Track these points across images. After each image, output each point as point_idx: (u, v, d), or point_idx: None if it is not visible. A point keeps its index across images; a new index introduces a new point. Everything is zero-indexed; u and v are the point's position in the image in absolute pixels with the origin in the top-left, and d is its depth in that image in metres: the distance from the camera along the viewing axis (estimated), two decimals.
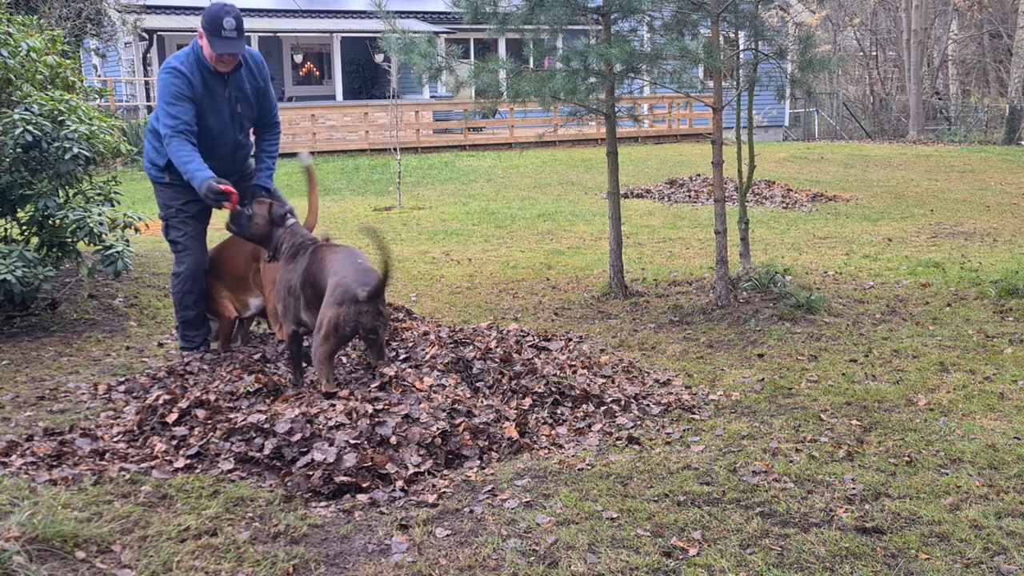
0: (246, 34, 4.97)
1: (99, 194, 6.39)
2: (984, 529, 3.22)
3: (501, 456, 3.91)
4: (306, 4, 22.96)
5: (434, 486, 3.58)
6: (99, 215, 6.06)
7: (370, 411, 3.87)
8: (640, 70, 6.76)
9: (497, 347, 4.81)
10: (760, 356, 5.45)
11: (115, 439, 4.05)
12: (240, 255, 5.23)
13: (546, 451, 3.99)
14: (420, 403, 4.00)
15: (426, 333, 5.08)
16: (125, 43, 21.16)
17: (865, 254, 8.71)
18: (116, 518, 3.22)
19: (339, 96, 22.77)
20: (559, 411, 4.40)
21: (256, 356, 5.02)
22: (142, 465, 3.70)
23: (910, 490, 3.54)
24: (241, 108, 5.00)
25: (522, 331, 5.46)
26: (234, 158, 5.14)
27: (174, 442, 3.90)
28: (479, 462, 3.84)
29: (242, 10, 5.01)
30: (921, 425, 4.27)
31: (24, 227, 6.28)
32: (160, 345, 5.77)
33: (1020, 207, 12.08)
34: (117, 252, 6.10)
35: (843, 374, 5.07)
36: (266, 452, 3.70)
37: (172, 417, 4.07)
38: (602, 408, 4.45)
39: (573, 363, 4.95)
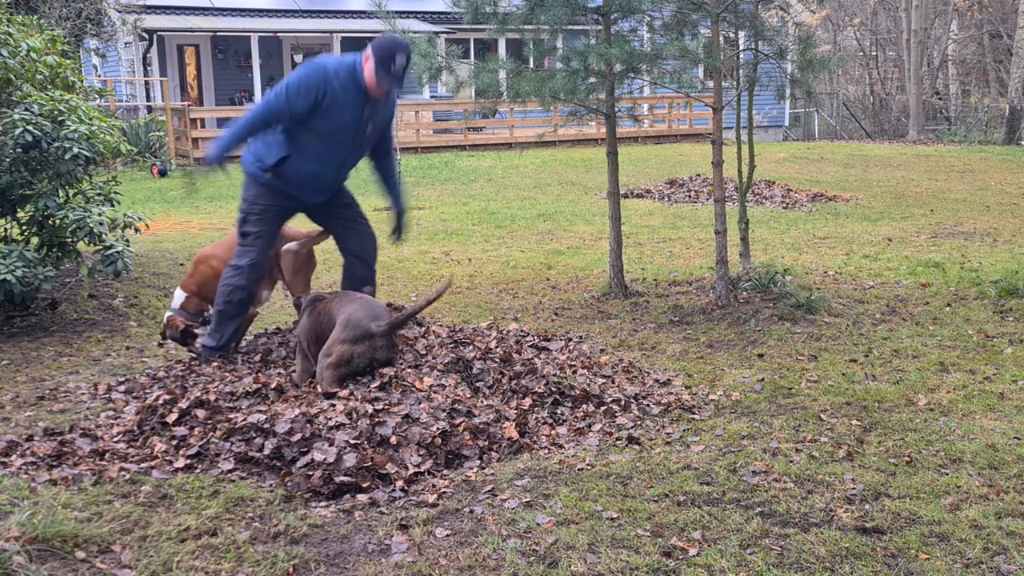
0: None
1: (99, 194, 6.40)
2: (984, 529, 3.22)
3: (501, 456, 3.90)
4: (306, 4, 22.95)
5: (434, 486, 3.58)
6: (99, 215, 6.06)
7: (370, 411, 3.87)
8: (640, 70, 6.76)
9: (497, 347, 4.81)
10: (760, 356, 5.45)
11: (115, 439, 4.05)
12: None
13: (546, 451, 3.99)
14: (420, 403, 4.00)
15: (426, 332, 5.08)
16: (125, 43, 21.15)
17: (865, 254, 8.71)
18: (116, 518, 3.22)
19: None
20: (559, 411, 4.40)
21: (256, 356, 5.02)
22: (142, 465, 3.71)
23: (910, 490, 3.54)
24: (370, 129, 5.02)
25: (522, 331, 5.46)
26: (339, 171, 5.11)
27: (174, 442, 3.90)
28: (479, 462, 3.84)
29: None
30: (921, 425, 4.27)
31: (24, 227, 6.28)
32: (160, 345, 5.77)
33: (1020, 207, 12.08)
34: (117, 252, 6.10)
35: (843, 374, 5.07)
36: (266, 452, 3.70)
37: (172, 417, 4.07)
38: (602, 408, 4.45)
39: (573, 363, 4.95)
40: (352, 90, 4.82)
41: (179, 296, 5.25)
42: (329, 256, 8.68)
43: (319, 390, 4.20)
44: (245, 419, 3.87)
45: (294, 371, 4.61)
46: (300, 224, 5.41)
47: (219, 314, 5.05)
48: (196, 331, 5.14)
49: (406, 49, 4.79)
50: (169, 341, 5.22)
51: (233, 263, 5.05)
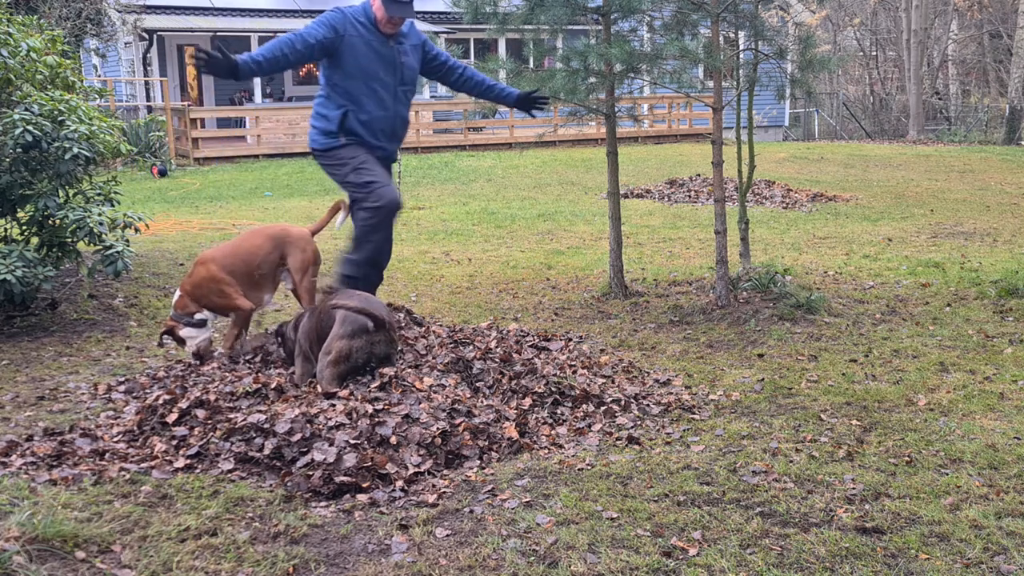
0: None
1: (99, 194, 6.39)
2: (984, 529, 3.22)
3: (501, 456, 3.90)
4: (306, 4, 22.95)
5: (434, 486, 3.58)
6: (99, 215, 6.06)
7: (370, 411, 3.87)
8: (640, 70, 6.75)
9: (497, 347, 4.81)
10: (760, 356, 5.45)
11: (115, 439, 4.05)
12: (255, 251, 5.24)
13: (546, 451, 3.99)
14: (420, 403, 4.00)
15: (426, 332, 5.08)
16: (125, 43, 21.15)
17: (865, 254, 8.71)
18: (116, 518, 3.22)
19: None
20: (559, 411, 4.40)
21: (256, 357, 5.02)
22: (142, 465, 3.71)
23: (910, 490, 3.54)
24: (404, 59, 5.19)
25: (522, 331, 5.46)
26: (396, 106, 5.23)
27: (174, 442, 3.90)
28: (479, 462, 3.84)
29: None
30: (921, 425, 4.27)
31: (24, 227, 6.28)
32: (160, 345, 5.77)
33: (1020, 207, 12.08)
34: (117, 252, 6.10)
35: (843, 374, 5.07)
36: (266, 452, 3.70)
37: (172, 417, 4.07)
38: (602, 408, 4.45)
39: (573, 363, 4.95)
40: (369, 27, 5.06)
41: (176, 294, 5.25)
42: (331, 257, 8.68)
43: (320, 389, 4.21)
44: (245, 419, 3.87)
45: (294, 371, 4.61)
46: (301, 221, 5.40)
47: (356, 257, 5.18)
48: (180, 333, 5.11)
49: None
50: (167, 342, 5.21)
51: (370, 206, 5.07)
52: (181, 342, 5.11)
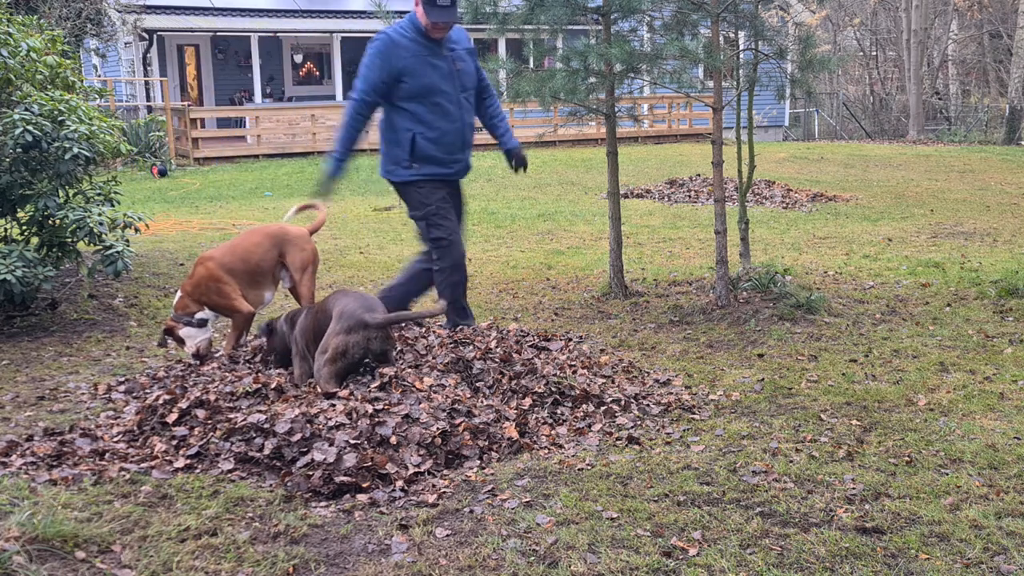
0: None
1: (99, 194, 6.40)
2: (984, 529, 3.22)
3: (501, 456, 3.90)
4: (306, 4, 22.95)
5: (434, 486, 3.58)
6: (99, 215, 6.06)
7: (370, 411, 3.87)
8: (640, 70, 6.75)
9: (497, 347, 4.81)
10: (760, 356, 5.45)
11: (115, 439, 4.05)
12: (254, 249, 5.24)
13: (546, 451, 3.99)
14: (420, 403, 4.00)
15: (426, 332, 5.08)
16: (125, 43, 21.16)
17: (865, 254, 8.72)
18: (116, 518, 3.22)
19: (339, 96, 22.76)
20: (559, 411, 4.40)
21: (256, 357, 5.02)
22: (142, 465, 3.71)
23: (910, 490, 3.54)
24: (460, 66, 5.21)
25: (522, 331, 5.46)
26: (463, 122, 5.25)
27: (174, 442, 3.90)
28: (479, 462, 3.84)
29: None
30: (921, 425, 4.27)
31: (24, 227, 6.28)
32: (160, 345, 5.77)
33: (1020, 207, 12.08)
34: (117, 252, 6.10)
35: (843, 374, 5.07)
36: (266, 452, 3.70)
37: (172, 417, 4.07)
38: (602, 408, 4.45)
39: (573, 363, 4.95)
40: (418, 40, 5.07)
41: (177, 295, 5.26)
42: (330, 257, 8.68)
43: (319, 389, 4.20)
44: (245, 419, 3.87)
45: (292, 371, 4.61)
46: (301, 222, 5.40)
47: (454, 307, 5.28)
48: (180, 333, 5.10)
49: None
50: (168, 342, 5.21)
51: (437, 268, 5.27)
52: (181, 342, 5.11)
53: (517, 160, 5.59)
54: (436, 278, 5.30)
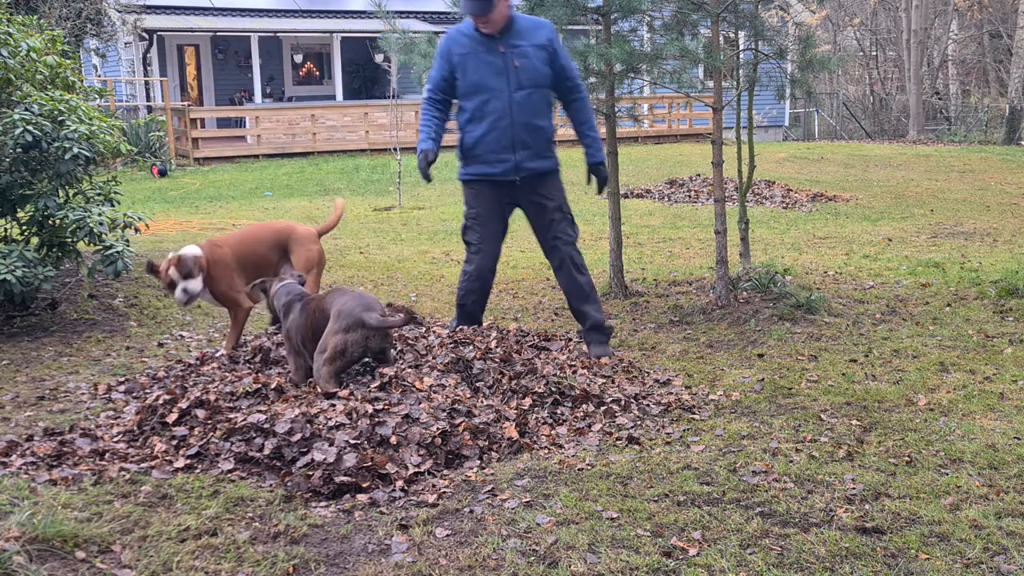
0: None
1: (99, 194, 6.40)
2: (984, 529, 3.22)
3: (501, 456, 3.90)
4: (306, 4, 22.96)
5: (434, 486, 3.58)
6: (99, 215, 6.06)
7: (370, 411, 3.87)
8: (640, 70, 6.75)
9: (497, 347, 4.81)
10: (760, 356, 5.45)
11: (115, 439, 4.05)
12: (256, 244, 5.23)
13: (546, 451, 3.99)
14: (420, 403, 4.00)
15: (426, 332, 5.08)
16: (125, 43, 21.16)
17: (865, 254, 8.71)
18: (116, 518, 3.22)
19: (339, 96, 22.78)
20: (559, 411, 4.40)
21: (256, 357, 5.02)
22: (142, 465, 3.71)
23: (910, 490, 3.54)
24: (520, 63, 5.10)
25: (522, 331, 5.46)
26: (511, 125, 5.12)
27: (174, 442, 3.90)
28: (479, 462, 3.84)
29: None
30: (921, 425, 4.27)
31: (24, 227, 6.28)
32: (160, 345, 5.77)
33: (1020, 207, 12.08)
34: (117, 252, 6.10)
35: (843, 374, 5.07)
36: (266, 452, 3.70)
37: (172, 417, 4.07)
38: (602, 408, 4.45)
39: (573, 363, 4.95)
40: (473, 36, 5.08)
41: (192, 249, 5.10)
42: (330, 257, 8.68)
43: (319, 389, 4.21)
44: (245, 419, 3.87)
45: (290, 369, 4.61)
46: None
47: (460, 310, 5.42)
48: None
49: None
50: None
51: (463, 269, 5.39)
52: (172, 287, 5.00)
53: (596, 177, 5.50)
54: (460, 277, 5.42)
